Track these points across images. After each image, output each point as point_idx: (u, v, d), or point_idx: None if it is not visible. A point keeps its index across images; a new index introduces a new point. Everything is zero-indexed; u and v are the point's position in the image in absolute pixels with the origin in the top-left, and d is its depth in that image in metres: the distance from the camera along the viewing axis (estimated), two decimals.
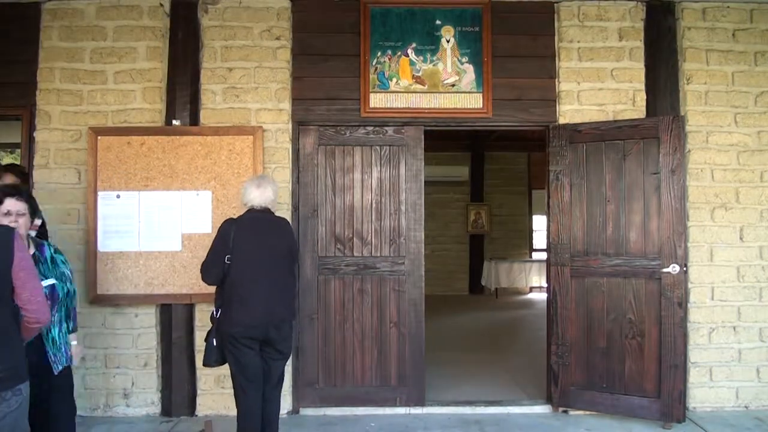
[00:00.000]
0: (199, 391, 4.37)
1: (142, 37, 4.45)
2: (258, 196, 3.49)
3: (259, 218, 3.49)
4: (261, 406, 3.42)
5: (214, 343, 3.42)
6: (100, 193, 4.29)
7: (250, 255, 3.38)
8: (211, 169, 4.32)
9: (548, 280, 4.55)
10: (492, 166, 11.51)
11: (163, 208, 4.32)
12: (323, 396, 4.48)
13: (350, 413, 4.33)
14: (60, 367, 3.04)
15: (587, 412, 4.36)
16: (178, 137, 4.32)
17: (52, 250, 3.11)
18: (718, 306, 4.42)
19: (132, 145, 4.32)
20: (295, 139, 4.53)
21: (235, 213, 4.25)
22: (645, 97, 4.50)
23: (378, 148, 4.58)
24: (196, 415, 4.34)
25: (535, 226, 11.86)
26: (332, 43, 4.51)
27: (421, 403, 4.48)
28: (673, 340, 4.12)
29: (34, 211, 2.94)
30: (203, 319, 4.32)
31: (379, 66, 4.50)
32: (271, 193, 3.53)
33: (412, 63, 4.52)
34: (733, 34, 4.53)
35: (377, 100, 4.49)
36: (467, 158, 11.38)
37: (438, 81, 4.52)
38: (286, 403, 4.40)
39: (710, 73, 4.49)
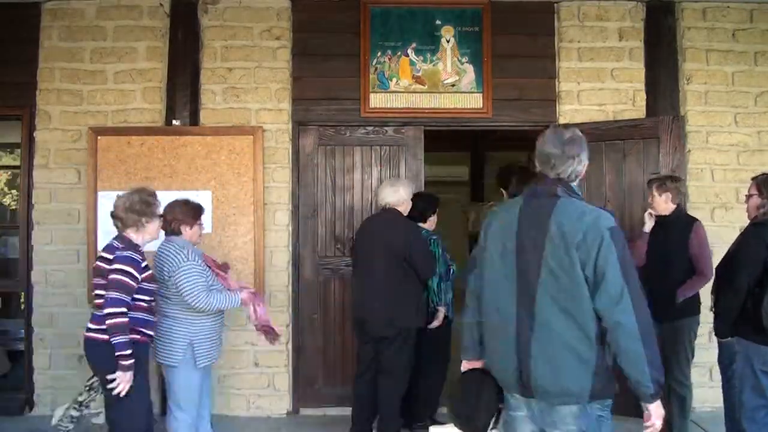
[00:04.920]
0: None
1: (142, 37, 4.44)
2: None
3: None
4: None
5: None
6: (100, 193, 4.29)
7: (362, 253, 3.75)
8: (211, 169, 4.31)
9: None
10: (492, 166, 11.49)
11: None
12: (323, 396, 4.48)
13: (350, 413, 4.33)
14: None
15: None
16: (178, 137, 4.32)
17: None
18: None
19: (132, 145, 4.31)
20: (295, 139, 4.53)
21: (235, 213, 4.27)
22: (645, 97, 4.50)
23: (378, 148, 4.58)
24: None
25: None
26: (332, 43, 4.51)
27: None
28: None
29: None
30: None
31: (379, 66, 4.50)
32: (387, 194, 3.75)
33: (412, 63, 4.52)
34: (733, 34, 4.53)
35: (377, 100, 4.49)
36: (467, 158, 11.36)
37: (438, 81, 4.51)
38: (285, 403, 4.40)
39: (710, 73, 4.49)
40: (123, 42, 4.44)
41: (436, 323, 3.90)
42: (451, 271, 4.04)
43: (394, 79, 4.51)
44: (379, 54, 4.50)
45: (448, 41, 4.53)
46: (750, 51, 4.52)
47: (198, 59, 4.45)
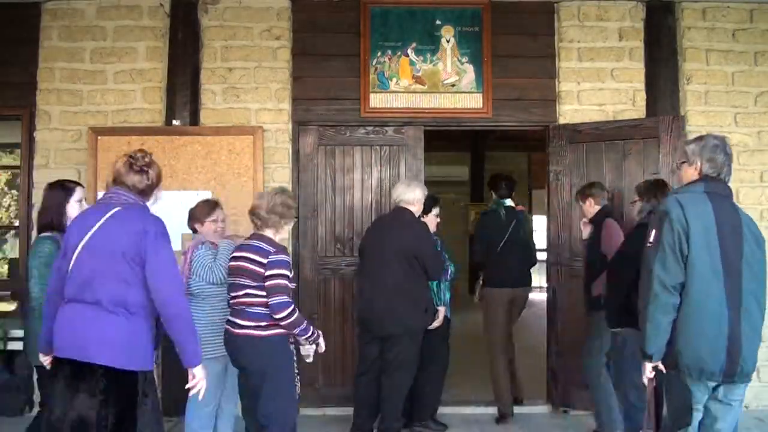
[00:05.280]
0: None
1: (142, 37, 4.45)
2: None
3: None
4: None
5: None
6: (100, 193, 4.28)
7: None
8: (211, 169, 4.31)
9: (548, 280, 4.55)
10: (492, 166, 11.50)
11: (163, 208, 4.29)
12: (323, 396, 4.48)
13: (350, 413, 4.33)
14: None
15: (587, 412, 4.35)
16: (178, 137, 4.32)
17: None
18: None
19: (132, 146, 4.28)
20: (295, 139, 4.53)
21: (235, 213, 4.26)
22: (645, 97, 4.50)
23: (378, 148, 4.58)
24: None
25: (535, 226, 11.83)
26: (332, 43, 4.51)
27: None
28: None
29: None
30: None
31: (379, 66, 4.50)
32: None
33: (412, 63, 4.52)
34: (733, 34, 4.53)
35: (377, 100, 4.49)
36: (467, 158, 11.37)
37: (438, 81, 4.51)
38: None
39: (710, 73, 4.49)
40: (123, 42, 4.44)
41: (436, 324, 3.90)
42: (449, 271, 4.05)
43: (394, 79, 4.51)
44: (379, 54, 4.50)
45: (448, 41, 4.53)
46: (750, 51, 4.52)
47: (198, 59, 4.45)
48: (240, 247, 3.04)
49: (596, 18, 4.54)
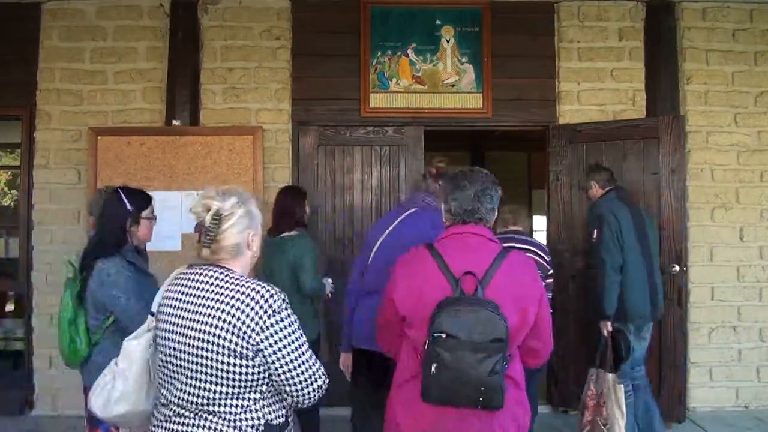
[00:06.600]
0: None
1: (142, 37, 4.45)
2: None
3: None
4: None
5: None
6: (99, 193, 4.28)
7: None
8: (211, 169, 4.31)
9: None
10: (492, 166, 11.45)
11: (163, 208, 4.27)
12: (323, 396, 4.46)
13: (350, 413, 4.33)
14: None
15: None
16: (178, 137, 4.32)
17: None
18: (718, 306, 4.42)
19: (132, 145, 4.31)
20: (295, 139, 4.53)
21: None
22: (645, 97, 4.50)
23: (378, 148, 4.58)
24: None
25: (535, 226, 11.82)
26: (332, 43, 4.51)
27: None
28: (672, 340, 4.11)
29: None
30: None
31: (379, 66, 4.50)
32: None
33: (412, 63, 4.52)
34: (733, 34, 4.53)
35: (377, 100, 4.49)
36: (467, 158, 11.35)
37: (438, 81, 4.51)
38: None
39: (710, 73, 4.49)
40: (123, 42, 4.44)
41: None
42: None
43: (394, 79, 4.51)
44: (379, 54, 4.50)
45: (448, 41, 4.53)
46: (750, 51, 4.52)
47: (198, 59, 4.45)
48: (518, 241, 3.34)
49: (596, 18, 4.54)
